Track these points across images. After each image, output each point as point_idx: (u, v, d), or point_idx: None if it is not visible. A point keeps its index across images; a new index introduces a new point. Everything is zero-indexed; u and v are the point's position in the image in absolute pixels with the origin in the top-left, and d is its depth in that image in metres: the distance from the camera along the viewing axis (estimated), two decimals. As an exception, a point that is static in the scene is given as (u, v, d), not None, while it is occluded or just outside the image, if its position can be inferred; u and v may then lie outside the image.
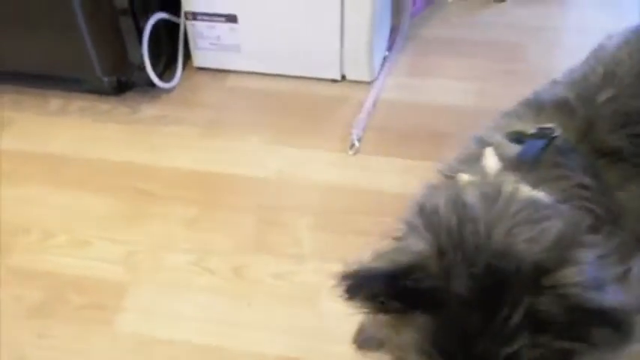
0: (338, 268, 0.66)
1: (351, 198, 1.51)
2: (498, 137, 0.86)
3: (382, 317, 0.68)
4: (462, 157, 0.88)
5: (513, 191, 0.70)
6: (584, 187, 0.80)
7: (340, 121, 1.68)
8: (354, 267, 0.66)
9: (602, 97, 0.89)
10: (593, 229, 0.70)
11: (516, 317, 0.59)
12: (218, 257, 1.40)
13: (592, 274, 0.62)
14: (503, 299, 0.60)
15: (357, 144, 1.61)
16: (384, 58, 1.86)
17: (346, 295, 0.65)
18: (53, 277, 1.37)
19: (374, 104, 1.72)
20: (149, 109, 1.78)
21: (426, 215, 0.69)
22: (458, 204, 0.68)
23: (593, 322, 0.59)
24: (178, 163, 1.62)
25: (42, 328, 1.28)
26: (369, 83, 1.78)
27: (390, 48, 1.91)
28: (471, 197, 0.69)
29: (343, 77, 1.81)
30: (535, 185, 0.74)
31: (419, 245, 0.66)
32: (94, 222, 1.49)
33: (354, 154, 1.60)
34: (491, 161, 0.80)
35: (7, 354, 1.24)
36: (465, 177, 0.78)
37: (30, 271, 1.38)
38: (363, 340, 1.20)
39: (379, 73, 1.81)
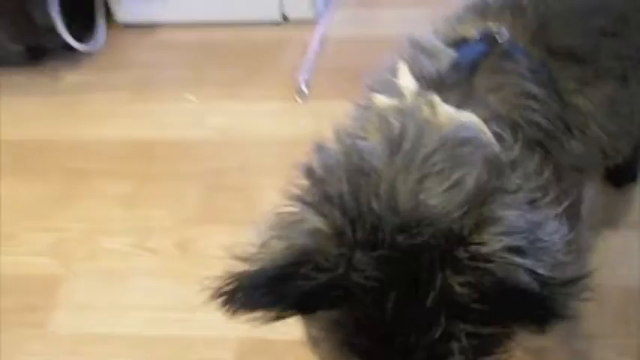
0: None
1: (305, 150, 1.40)
2: (437, 44, 0.77)
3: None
4: (381, 76, 0.76)
5: (424, 124, 0.60)
6: (531, 96, 0.73)
7: (285, 67, 1.63)
8: (229, 274, 0.56)
9: None
10: (530, 149, 0.66)
11: (430, 300, 0.51)
12: (160, 234, 1.33)
13: (516, 234, 0.53)
14: (416, 280, 0.52)
15: (305, 90, 1.55)
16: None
17: (228, 311, 0.55)
18: (-25, 279, 1.28)
19: (321, 44, 1.67)
20: (71, 76, 1.72)
21: (316, 181, 0.58)
22: (353, 158, 0.57)
23: (516, 304, 0.52)
24: (108, 134, 1.57)
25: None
26: (313, 21, 1.73)
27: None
28: (371, 146, 0.59)
29: (285, 18, 1.77)
30: (462, 103, 0.66)
31: (309, 225, 0.55)
32: (19, 211, 1.40)
33: (304, 101, 1.54)
34: (406, 80, 0.70)
35: None
36: (381, 100, 0.67)
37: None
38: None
39: (324, 9, 1.75)
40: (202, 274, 1.15)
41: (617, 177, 1.30)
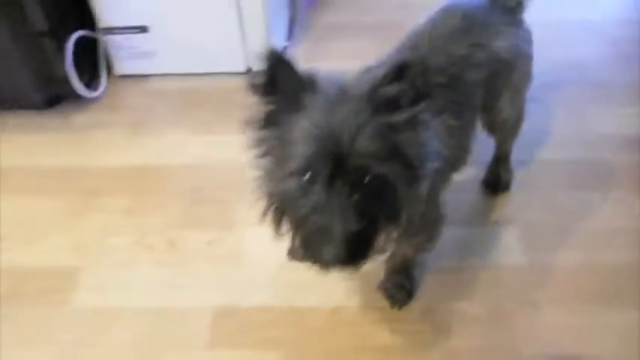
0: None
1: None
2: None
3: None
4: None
5: None
6: None
7: (250, 108, 1.90)
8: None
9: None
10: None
11: None
12: (154, 235, 1.63)
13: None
14: None
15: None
16: (284, 48, 2.10)
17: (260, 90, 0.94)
18: (11, 273, 1.56)
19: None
20: (80, 118, 1.99)
21: None
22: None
23: None
24: (111, 161, 1.84)
25: (7, 315, 1.48)
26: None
27: (288, 38, 2.15)
28: None
29: (249, 69, 2.04)
30: None
31: None
32: (42, 222, 1.69)
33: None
34: None
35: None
36: None
37: (-11, 270, 1.57)
38: (292, 252, 1.52)
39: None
40: (187, 263, 1.53)
41: (493, 187, 1.70)
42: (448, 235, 1.53)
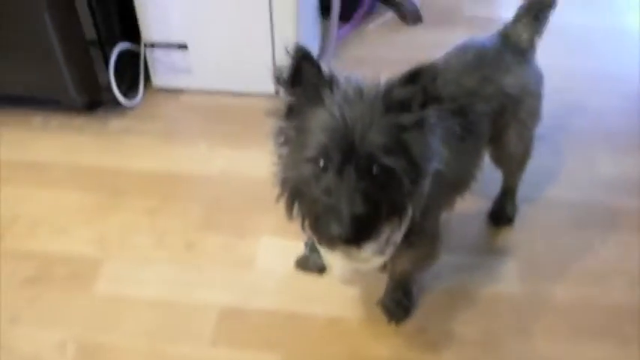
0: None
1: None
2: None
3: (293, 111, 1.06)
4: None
5: None
6: None
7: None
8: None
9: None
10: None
11: None
12: (173, 236, 1.73)
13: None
14: None
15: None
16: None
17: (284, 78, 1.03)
18: (40, 257, 1.68)
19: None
20: (116, 123, 2.12)
21: None
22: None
23: None
24: (141, 165, 1.95)
25: (33, 295, 1.60)
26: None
27: (317, 67, 2.25)
28: None
29: (277, 92, 2.09)
30: None
31: None
32: (73, 214, 1.81)
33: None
34: None
35: (5, 316, 1.55)
36: None
37: (21, 253, 1.69)
38: (300, 263, 1.63)
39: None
40: (201, 264, 1.64)
41: (497, 220, 1.77)
42: (450, 259, 1.63)
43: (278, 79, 1.05)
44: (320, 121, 1.03)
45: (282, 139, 1.11)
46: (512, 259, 1.68)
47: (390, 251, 1.24)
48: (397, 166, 1.03)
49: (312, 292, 1.60)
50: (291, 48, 1.02)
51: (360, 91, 1.04)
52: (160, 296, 1.59)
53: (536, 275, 1.64)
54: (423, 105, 1.04)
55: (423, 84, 1.02)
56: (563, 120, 2.11)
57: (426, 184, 1.14)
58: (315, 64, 1.03)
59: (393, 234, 1.20)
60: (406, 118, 1.03)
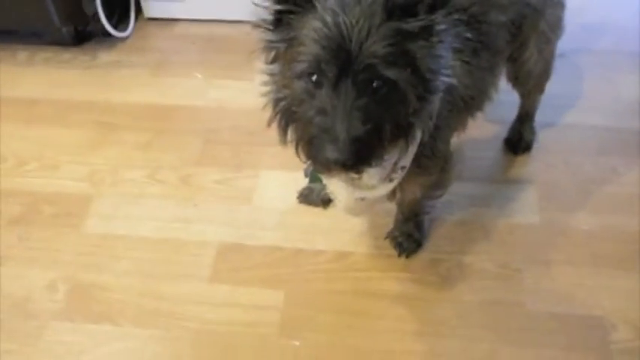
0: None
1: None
2: None
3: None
4: None
5: None
6: None
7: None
8: None
9: None
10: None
11: None
12: (167, 171, 1.65)
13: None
14: None
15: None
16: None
17: None
18: (28, 194, 1.61)
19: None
20: (106, 56, 2.03)
21: None
22: None
23: None
24: (132, 98, 1.87)
25: (21, 233, 1.52)
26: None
27: None
28: None
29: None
30: None
31: None
32: (62, 150, 1.73)
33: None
34: None
35: (-7, 255, 1.48)
36: None
37: (8, 191, 1.62)
38: (303, 196, 1.55)
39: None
40: (196, 199, 1.54)
41: (514, 146, 1.67)
42: (463, 189, 1.54)
43: None
44: (311, 29, 0.90)
45: (271, 55, 0.98)
46: (530, 187, 1.59)
47: (398, 177, 1.13)
48: (401, 79, 0.90)
49: (317, 226, 1.51)
50: None
51: None
52: (154, 233, 1.52)
53: (555, 203, 1.55)
54: (431, 9, 0.90)
55: None
56: (584, 41, 1.99)
57: (435, 102, 1.02)
58: None
59: (400, 158, 1.09)
60: (411, 24, 0.90)
